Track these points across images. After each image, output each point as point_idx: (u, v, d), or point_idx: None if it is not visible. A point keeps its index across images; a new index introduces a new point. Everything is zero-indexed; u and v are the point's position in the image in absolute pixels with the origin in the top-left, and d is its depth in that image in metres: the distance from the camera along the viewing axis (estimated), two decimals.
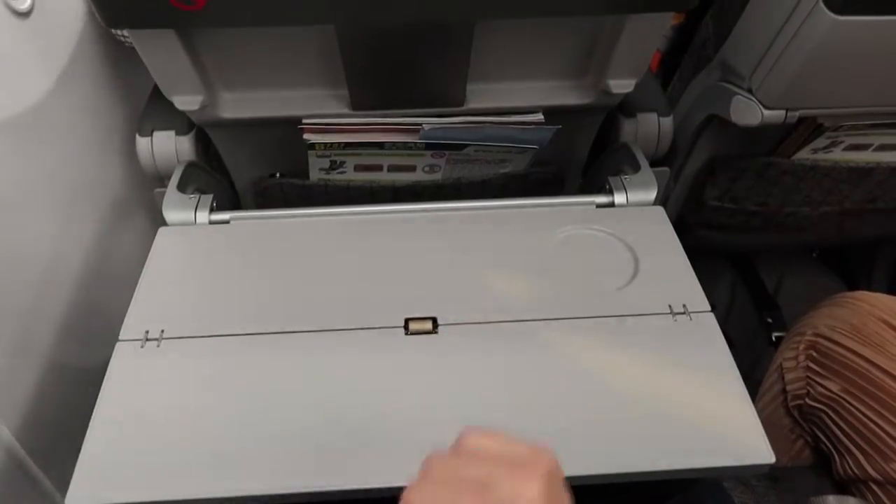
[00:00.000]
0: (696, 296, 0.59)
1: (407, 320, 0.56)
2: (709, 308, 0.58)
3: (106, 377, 0.53)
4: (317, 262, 0.62)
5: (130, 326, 0.56)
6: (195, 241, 0.65)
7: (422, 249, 0.64)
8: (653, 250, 0.63)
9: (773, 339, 1.06)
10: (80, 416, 0.53)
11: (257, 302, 0.59)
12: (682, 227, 0.68)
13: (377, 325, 0.56)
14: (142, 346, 0.55)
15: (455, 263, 0.62)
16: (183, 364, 0.54)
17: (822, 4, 0.58)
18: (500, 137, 0.70)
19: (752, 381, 1.07)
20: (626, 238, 0.64)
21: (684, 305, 0.58)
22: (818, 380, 0.69)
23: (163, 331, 0.56)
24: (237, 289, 0.60)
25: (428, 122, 0.66)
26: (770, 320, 1.09)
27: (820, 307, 0.75)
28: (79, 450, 0.48)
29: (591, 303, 0.58)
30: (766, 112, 0.68)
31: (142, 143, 0.74)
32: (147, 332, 0.56)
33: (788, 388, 0.73)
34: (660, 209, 0.68)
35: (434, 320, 0.56)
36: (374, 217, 0.67)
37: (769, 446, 0.48)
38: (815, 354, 0.70)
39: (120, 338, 0.56)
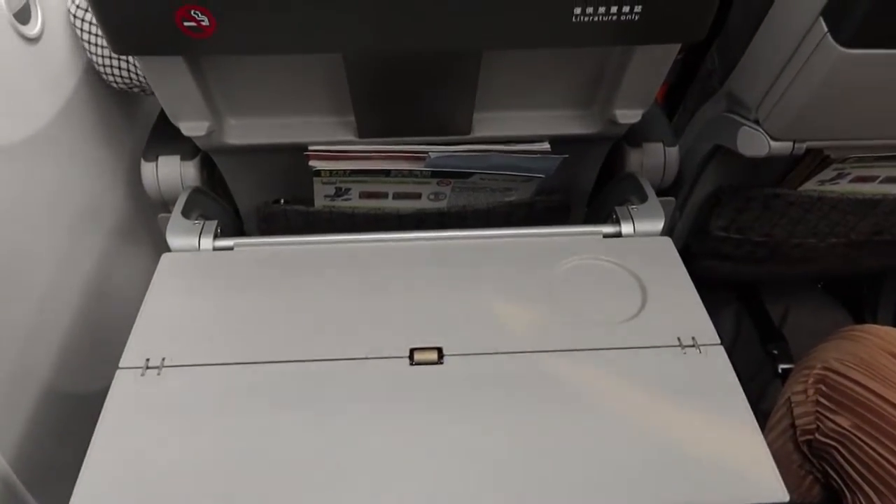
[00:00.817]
0: (705, 328, 0.58)
1: (412, 350, 0.55)
2: (718, 341, 0.57)
3: (105, 405, 0.52)
4: (321, 290, 0.62)
5: (131, 354, 0.55)
6: (198, 268, 0.65)
7: (427, 279, 0.63)
8: (661, 282, 0.63)
9: (780, 371, 1.05)
10: (78, 444, 0.51)
11: (260, 330, 0.58)
12: (688, 257, 0.68)
13: (382, 356, 0.55)
14: (142, 374, 0.54)
15: (461, 293, 0.61)
16: (184, 393, 0.53)
17: (829, 37, 0.58)
18: (506, 166, 0.69)
19: (758, 414, 1.06)
20: (634, 269, 0.64)
21: (693, 338, 0.57)
22: (828, 415, 0.68)
23: (164, 359, 0.55)
24: (240, 317, 0.59)
25: (434, 150, 0.66)
26: (776, 352, 1.08)
27: (828, 340, 0.74)
28: (75, 479, 0.47)
29: (598, 335, 0.57)
30: (774, 143, 0.68)
31: (147, 168, 0.74)
32: (148, 359, 0.55)
33: (797, 422, 0.72)
34: (667, 240, 0.67)
35: (440, 350, 0.55)
36: (378, 245, 0.67)
37: (782, 483, 0.47)
38: (824, 388, 0.69)
39: (120, 365, 0.55)
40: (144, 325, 0.58)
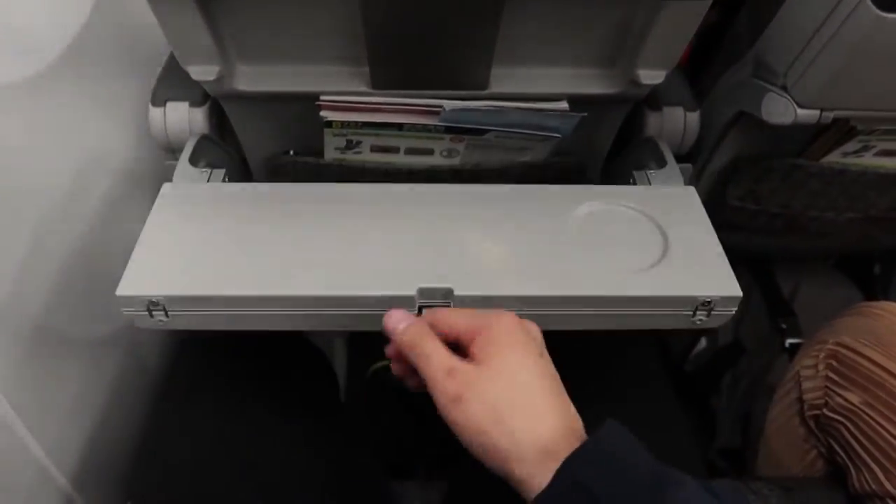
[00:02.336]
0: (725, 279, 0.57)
1: (420, 290, 0.54)
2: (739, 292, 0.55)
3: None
4: (329, 227, 0.60)
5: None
6: (201, 200, 0.63)
7: (439, 220, 0.61)
8: (683, 230, 0.60)
9: (788, 345, 1.04)
10: (74, 386, 0.51)
11: (264, 262, 0.56)
12: None
13: (389, 293, 0.54)
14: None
15: (473, 235, 0.59)
16: None
17: (868, 1, 0.56)
18: (523, 124, 0.68)
19: (764, 387, 1.06)
20: (656, 216, 0.62)
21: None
22: (838, 390, 0.67)
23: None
24: (243, 249, 0.57)
25: (449, 104, 0.64)
26: (784, 326, 1.07)
27: (842, 316, 0.73)
28: (73, 420, 0.47)
29: (617, 281, 0.56)
30: (801, 111, 0.66)
31: (154, 113, 0.72)
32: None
33: (805, 396, 0.71)
34: (691, 189, 0.65)
35: (449, 291, 0.54)
36: (390, 190, 0.65)
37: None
38: (835, 364, 0.68)
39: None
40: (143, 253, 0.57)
